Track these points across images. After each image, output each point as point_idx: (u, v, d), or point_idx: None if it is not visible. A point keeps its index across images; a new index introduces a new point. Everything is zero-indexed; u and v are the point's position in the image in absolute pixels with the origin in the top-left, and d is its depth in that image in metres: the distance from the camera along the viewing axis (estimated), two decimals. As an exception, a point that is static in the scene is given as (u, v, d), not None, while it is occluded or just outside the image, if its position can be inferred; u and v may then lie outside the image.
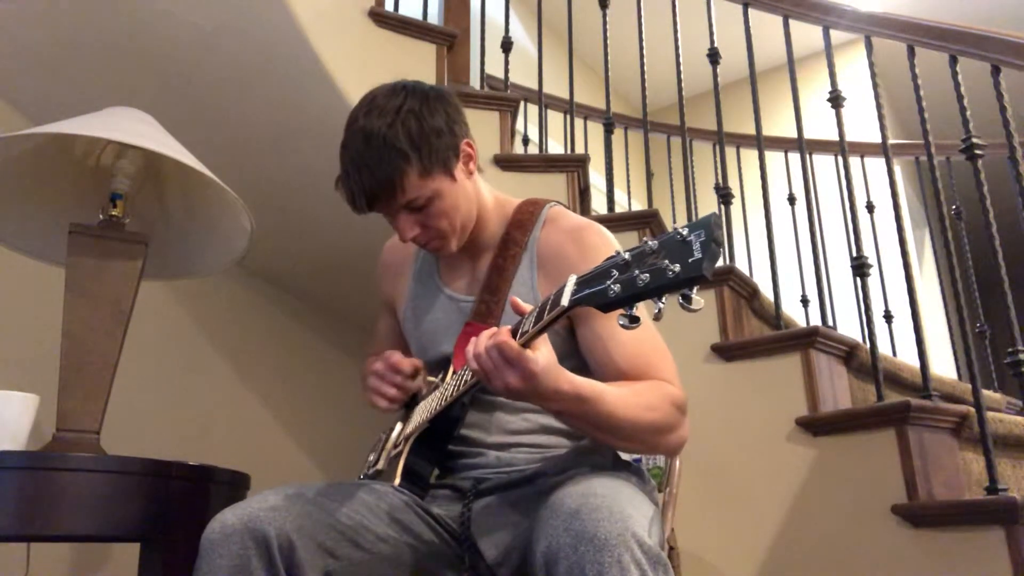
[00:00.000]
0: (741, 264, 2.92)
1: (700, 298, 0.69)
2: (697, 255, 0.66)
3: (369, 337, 1.41)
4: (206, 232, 1.51)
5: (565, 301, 0.77)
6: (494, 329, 0.85)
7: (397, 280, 1.29)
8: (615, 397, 0.92)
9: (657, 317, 0.71)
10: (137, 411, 2.07)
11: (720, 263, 2.00)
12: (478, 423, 1.12)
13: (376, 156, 1.01)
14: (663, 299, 0.69)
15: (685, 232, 0.68)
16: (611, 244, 1.09)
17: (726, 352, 1.77)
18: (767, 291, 1.97)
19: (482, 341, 0.84)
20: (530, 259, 1.12)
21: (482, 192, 1.16)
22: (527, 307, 0.85)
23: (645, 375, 1.01)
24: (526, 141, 2.98)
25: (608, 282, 0.73)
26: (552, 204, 1.18)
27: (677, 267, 0.67)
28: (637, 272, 0.70)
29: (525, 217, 1.15)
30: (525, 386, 0.83)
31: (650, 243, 0.71)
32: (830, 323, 2.33)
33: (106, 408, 1.26)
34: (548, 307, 0.80)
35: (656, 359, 1.03)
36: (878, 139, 2.06)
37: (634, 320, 0.72)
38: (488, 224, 1.16)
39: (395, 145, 1.02)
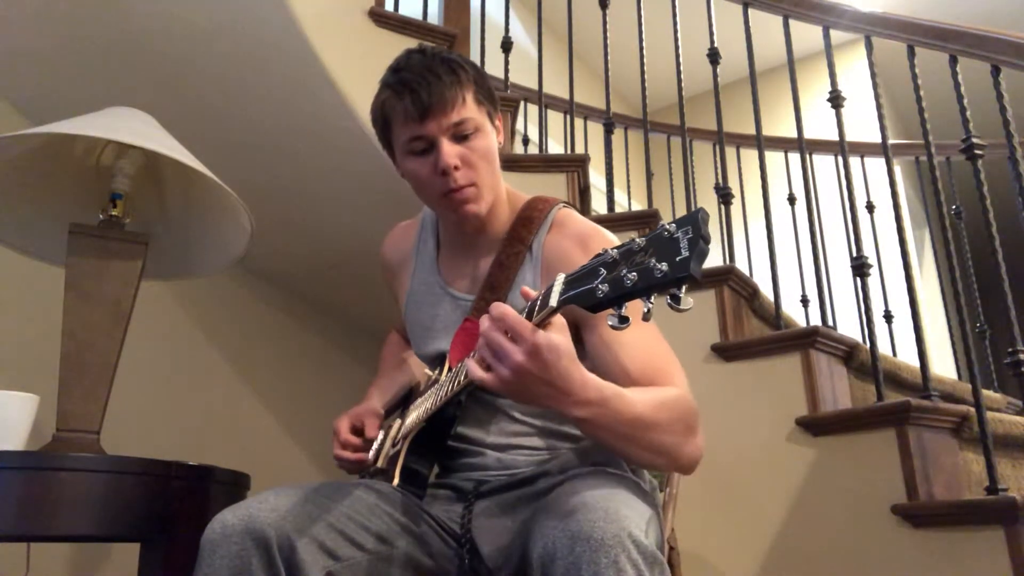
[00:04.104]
0: (741, 264, 2.92)
1: (690, 298, 0.66)
2: (684, 253, 0.64)
3: (368, 338, 1.41)
4: (206, 232, 1.51)
5: (553, 301, 0.75)
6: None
7: (397, 277, 1.29)
8: (639, 398, 0.86)
9: (646, 317, 0.68)
10: (137, 411, 2.07)
11: (720, 263, 2.00)
12: (478, 422, 1.11)
13: (440, 68, 1.03)
14: (652, 298, 0.67)
15: (672, 228, 0.66)
16: None
17: (726, 352, 1.77)
18: (767, 291, 1.97)
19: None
20: (534, 262, 1.10)
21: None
22: (533, 293, 0.81)
23: (656, 382, 0.95)
24: (526, 141, 2.97)
25: (596, 282, 0.70)
26: (560, 206, 1.16)
27: (664, 266, 0.65)
28: (625, 271, 0.68)
29: (533, 215, 1.13)
30: (533, 364, 0.75)
31: (637, 240, 0.69)
32: (830, 323, 2.33)
33: (106, 408, 1.26)
34: (537, 308, 0.78)
35: (667, 366, 0.98)
36: (878, 139, 2.06)
37: (623, 320, 0.69)
38: (499, 215, 1.14)
39: (459, 61, 1.06)
